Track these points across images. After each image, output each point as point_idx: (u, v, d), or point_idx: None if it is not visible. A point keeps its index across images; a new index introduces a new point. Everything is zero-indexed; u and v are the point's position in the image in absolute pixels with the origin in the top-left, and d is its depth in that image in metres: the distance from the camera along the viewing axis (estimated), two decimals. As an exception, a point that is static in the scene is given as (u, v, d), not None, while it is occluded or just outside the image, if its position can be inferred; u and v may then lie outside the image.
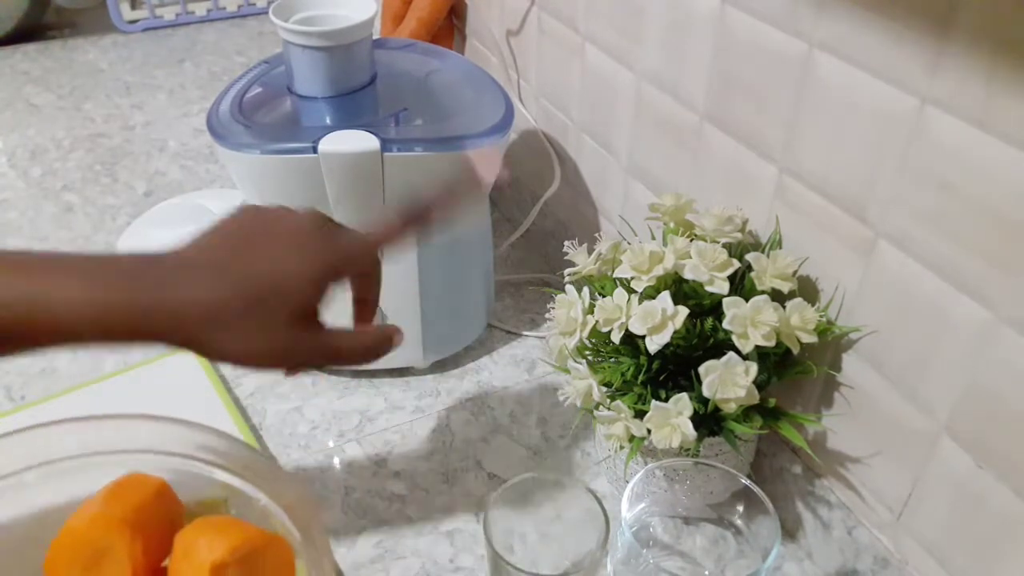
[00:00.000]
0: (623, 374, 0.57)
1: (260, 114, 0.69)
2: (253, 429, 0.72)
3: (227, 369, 0.78)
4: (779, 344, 0.53)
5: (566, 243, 0.64)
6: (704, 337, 0.55)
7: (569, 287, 0.60)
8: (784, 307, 0.53)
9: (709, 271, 0.54)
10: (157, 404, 0.73)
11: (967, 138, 0.42)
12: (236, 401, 0.75)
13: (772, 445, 0.62)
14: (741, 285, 0.57)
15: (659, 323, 0.53)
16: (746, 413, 0.54)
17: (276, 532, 0.50)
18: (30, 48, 1.39)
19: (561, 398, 0.59)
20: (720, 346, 0.54)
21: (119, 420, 0.55)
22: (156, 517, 0.51)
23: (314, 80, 0.69)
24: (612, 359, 0.59)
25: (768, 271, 0.55)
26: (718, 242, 0.56)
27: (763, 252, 0.56)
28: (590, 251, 0.63)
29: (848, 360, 0.54)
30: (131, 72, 1.32)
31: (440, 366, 0.79)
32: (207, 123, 0.67)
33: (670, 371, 0.56)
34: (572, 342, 0.57)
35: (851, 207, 0.51)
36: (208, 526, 0.50)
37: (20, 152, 1.11)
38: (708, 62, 0.60)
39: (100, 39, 1.42)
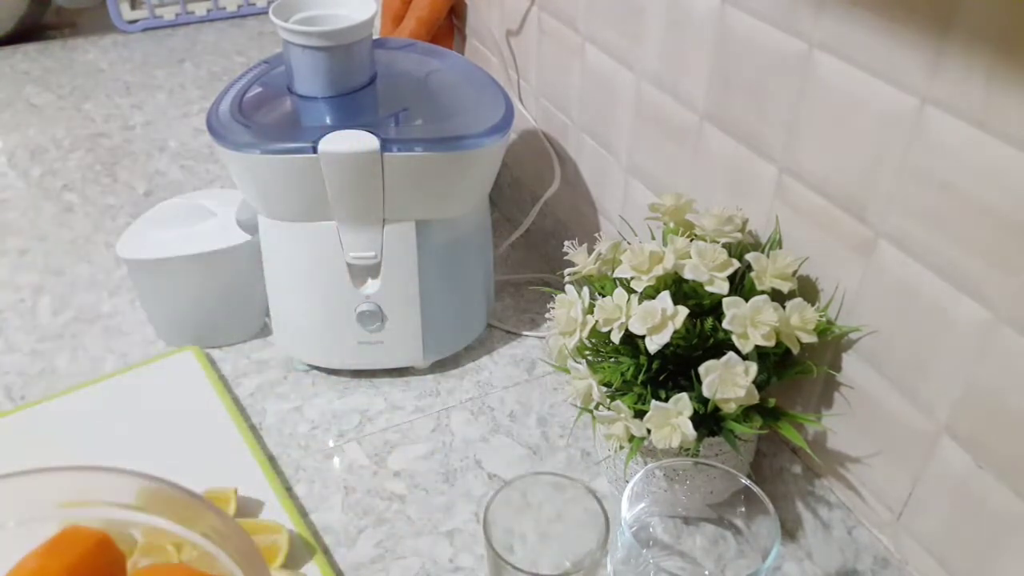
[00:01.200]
0: (623, 374, 0.57)
1: (260, 114, 0.69)
2: (253, 429, 0.72)
3: (227, 368, 0.78)
4: (779, 344, 0.53)
5: (566, 243, 0.64)
6: (704, 337, 0.55)
7: (569, 287, 0.60)
8: (784, 307, 0.53)
9: (709, 271, 0.54)
10: (157, 404, 0.74)
11: (967, 138, 0.42)
12: (236, 401, 0.75)
13: (772, 445, 0.62)
14: (741, 285, 0.57)
15: (659, 323, 0.53)
16: (746, 413, 0.54)
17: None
18: (30, 48, 1.39)
19: (561, 398, 0.59)
20: (720, 346, 0.54)
21: (46, 474, 0.52)
22: (97, 571, 0.50)
23: (314, 80, 0.69)
24: (612, 359, 0.59)
25: (768, 271, 0.55)
26: (718, 242, 0.56)
27: (763, 252, 0.56)
28: (590, 251, 0.63)
29: (848, 360, 0.54)
30: (131, 72, 1.32)
31: (440, 366, 0.79)
32: (207, 123, 0.67)
33: (670, 371, 0.56)
34: (572, 342, 0.57)
35: (851, 207, 0.51)
36: (152, 574, 0.49)
37: (20, 152, 1.11)
38: (708, 62, 0.60)
39: (100, 39, 1.42)
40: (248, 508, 0.64)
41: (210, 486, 0.64)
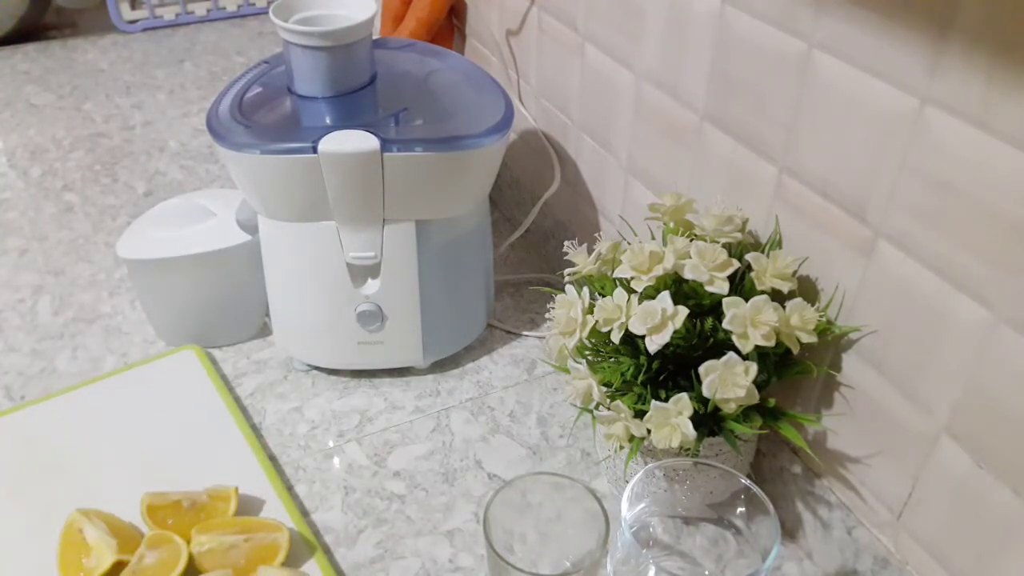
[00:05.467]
0: (623, 374, 0.57)
1: (260, 114, 0.69)
2: (253, 428, 0.72)
3: (227, 368, 0.78)
4: (779, 344, 0.53)
5: (566, 243, 0.64)
6: (704, 337, 0.55)
7: (569, 287, 0.60)
8: (784, 307, 0.53)
9: (709, 271, 0.54)
10: (157, 404, 0.74)
11: (967, 138, 0.42)
12: (237, 400, 0.75)
13: (772, 445, 0.62)
14: (741, 285, 0.57)
15: (659, 323, 0.53)
16: (746, 413, 0.54)
17: None
18: (30, 48, 1.39)
19: (561, 398, 0.59)
20: (720, 346, 0.54)
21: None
22: None
23: (314, 80, 0.69)
24: (612, 359, 0.59)
25: (768, 271, 0.55)
26: (718, 242, 0.56)
27: (763, 252, 0.56)
28: (590, 251, 0.63)
29: (848, 360, 0.54)
30: (131, 72, 1.32)
31: (440, 366, 0.79)
32: (207, 123, 0.67)
33: (670, 371, 0.56)
34: (572, 342, 0.57)
35: (851, 207, 0.51)
36: None
37: (20, 152, 1.11)
38: (708, 62, 0.60)
39: (100, 39, 1.42)
40: (249, 507, 0.64)
41: (211, 485, 0.64)
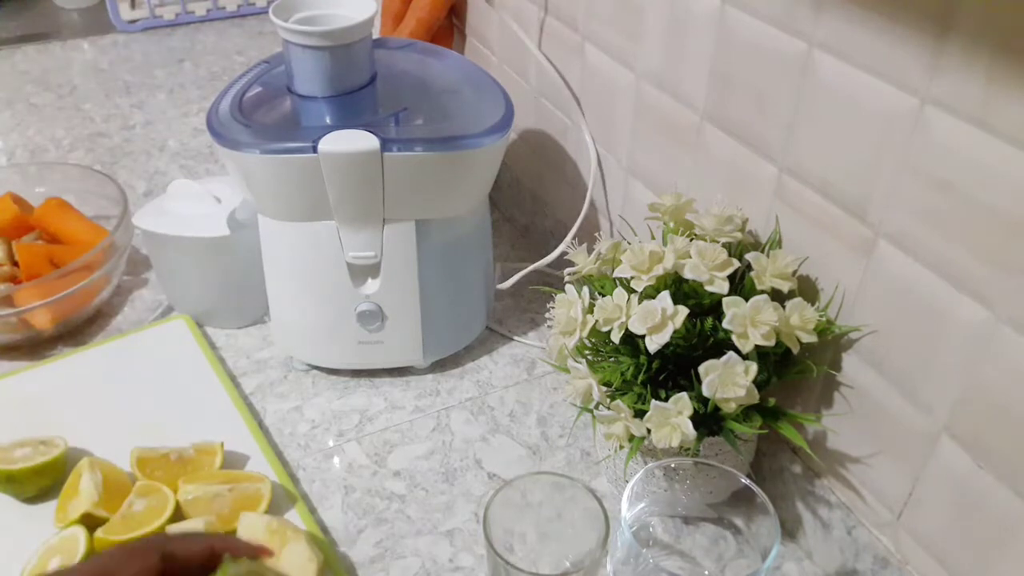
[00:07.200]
0: (623, 374, 0.57)
1: (260, 114, 0.69)
2: (239, 388, 0.74)
3: (227, 367, 0.78)
4: (779, 344, 0.53)
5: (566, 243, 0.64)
6: (704, 337, 0.55)
7: (569, 287, 0.60)
8: (784, 307, 0.53)
9: (709, 271, 0.54)
10: (148, 367, 0.76)
11: (967, 138, 0.42)
12: (222, 361, 0.77)
13: (772, 445, 0.62)
14: (741, 285, 0.57)
15: (659, 323, 0.53)
16: (746, 413, 0.54)
17: None
18: (30, 48, 1.39)
19: (561, 398, 0.59)
20: (720, 346, 0.54)
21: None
22: None
23: (314, 80, 0.69)
24: (612, 359, 0.59)
25: (768, 271, 0.55)
26: (718, 242, 0.56)
27: (763, 252, 0.56)
28: (590, 251, 0.63)
29: (848, 360, 0.54)
30: (131, 72, 1.32)
31: (440, 366, 0.79)
32: (207, 123, 0.67)
33: (670, 371, 0.56)
34: (572, 342, 0.57)
35: (851, 207, 0.51)
36: None
37: (20, 152, 1.11)
38: (708, 62, 0.60)
39: (100, 39, 1.42)
40: (234, 461, 0.67)
41: (198, 440, 0.67)
